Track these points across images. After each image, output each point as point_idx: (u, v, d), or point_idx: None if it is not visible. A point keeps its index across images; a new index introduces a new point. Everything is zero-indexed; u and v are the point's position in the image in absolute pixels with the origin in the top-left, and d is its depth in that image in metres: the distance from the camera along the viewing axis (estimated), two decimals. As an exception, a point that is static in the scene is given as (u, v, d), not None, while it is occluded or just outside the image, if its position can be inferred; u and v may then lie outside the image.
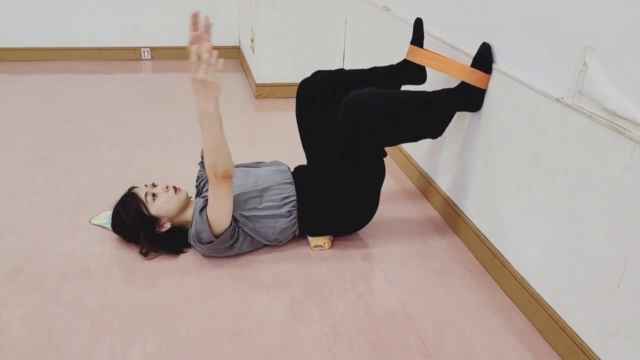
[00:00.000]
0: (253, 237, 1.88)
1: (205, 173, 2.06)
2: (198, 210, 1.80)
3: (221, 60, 1.61)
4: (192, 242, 1.86)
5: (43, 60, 4.11)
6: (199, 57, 1.58)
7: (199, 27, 1.68)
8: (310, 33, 3.46)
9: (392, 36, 2.67)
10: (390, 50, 2.70)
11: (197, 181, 2.09)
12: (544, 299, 1.59)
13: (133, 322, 1.58)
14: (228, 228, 1.78)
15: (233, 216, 1.81)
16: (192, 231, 1.83)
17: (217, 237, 1.78)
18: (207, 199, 1.80)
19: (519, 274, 1.71)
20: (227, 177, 1.69)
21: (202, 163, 2.09)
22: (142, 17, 4.17)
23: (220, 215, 1.75)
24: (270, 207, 1.86)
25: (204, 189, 2.01)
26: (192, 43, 1.65)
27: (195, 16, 1.68)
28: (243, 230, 1.85)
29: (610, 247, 1.33)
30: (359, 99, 1.76)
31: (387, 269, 1.88)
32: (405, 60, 2.06)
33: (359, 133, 1.78)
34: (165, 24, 4.23)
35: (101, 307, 1.63)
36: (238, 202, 1.85)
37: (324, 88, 2.01)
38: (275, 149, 2.82)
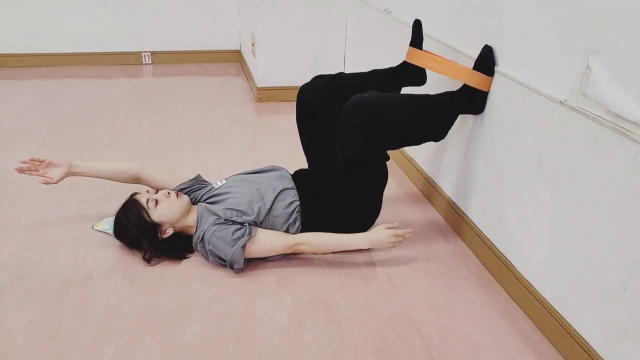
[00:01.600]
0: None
1: (188, 190, 2.04)
2: (235, 240, 1.79)
3: (409, 236, 1.87)
4: (201, 251, 1.86)
5: (44, 66, 4.12)
6: (403, 235, 1.84)
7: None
8: (310, 36, 3.46)
9: (393, 39, 2.67)
10: (391, 53, 2.69)
11: (184, 191, 2.04)
12: (550, 302, 1.58)
13: (137, 328, 1.58)
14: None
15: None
16: (210, 245, 1.81)
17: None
18: (239, 228, 1.81)
19: (523, 277, 1.70)
20: (294, 251, 1.89)
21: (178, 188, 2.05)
22: (142, 21, 4.18)
23: (260, 254, 1.84)
24: (278, 217, 1.87)
25: (204, 197, 1.98)
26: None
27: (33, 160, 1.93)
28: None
29: (616, 250, 1.32)
30: (362, 103, 1.76)
31: (391, 273, 1.87)
32: (404, 62, 2.05)
33: (361, 137, 1.78)
34: (165, 29, 4.24)
35: (105, 314, 1.63)
36: (247, 215, 1.85)
37: (324, 93, 2.00)
38: (276, 152, 2.82)
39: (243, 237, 1.78)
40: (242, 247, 1.78)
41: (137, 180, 2.09)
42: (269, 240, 1.83)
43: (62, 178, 2.00)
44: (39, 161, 1.97)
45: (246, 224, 1.82)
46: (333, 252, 1.96)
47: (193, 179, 2.09)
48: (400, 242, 1.85)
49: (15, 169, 1.95)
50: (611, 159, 1.32)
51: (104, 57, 4.23)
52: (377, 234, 1.84)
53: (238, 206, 1.85)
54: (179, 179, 2.09)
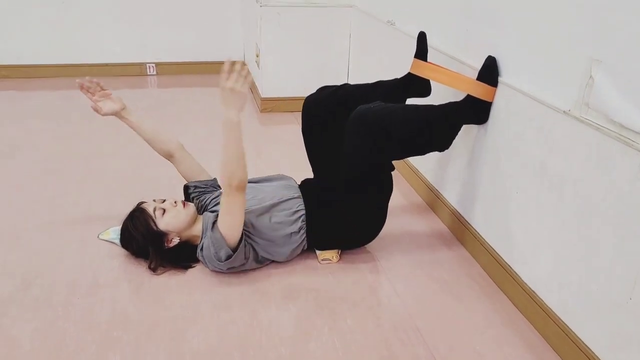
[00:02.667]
0: (263, 256, 1.88)
1: (197, 192, 2.07)
2: (210, 229, 1.80)
3: (250, 75, 1.70)
4: (201, 259, 1.86)
5: (50, 77, 4.15)
6: (231, 68, 1.66)
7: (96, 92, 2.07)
8: (314, 47, 3.48)
9: (396, 50, 2.69)
10: (395, 65, 2.71)
11: (192, 200, 2.07)
12: (554, 311, 1.58)
13: (142, 337, 1.58)
14: (240, 240, 1.78)
15: (244, 232, 1.82)
16: (205, 251, 1.82)
17: (233, 248, 1.77)
18: (217, 214, 1.80)
19: (528, 286, 1.70)
20: (242, 188, 1.71)
21: (191, 186, 2.10)
22: (147, 33, 4.22)
23: (232, 226, 1.75)
24: (281, 223, 1.87)
25: (210, 205, 2.00)
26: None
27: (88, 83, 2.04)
28: (252, 247, 1.85)
29: (621, 259, 1.33)
30: (366, 114, 1.78)
31: (396, 282, 1.88)
32: (409, 74, 2.07)
33: (366, 148, 1.79)
34: (170, 40, 4.27)
35: (110, 322, 1.63)
36: (247, 219, 1.85)
37: (329, 104, 2.02)
38: (280, 162, 2.83)
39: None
40: (212, 229, 1.77)
41: (169, 156, 2.12)
42: (222, 209, 1.76)
43: (111, 114, 2.08)
44: (100, 86, 2.05)
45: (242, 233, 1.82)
46: (338, 261, 1.96)
47: (211, 180, 2.14)
48: (237, 80, 1.67)
49: (77, 81, 2.03)
50: (615, 168, 1.33)
51: (109, 68, 4.26)
52: (222, 100, 1.71)
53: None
54: (207, 174, 2.15)
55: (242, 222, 1.76)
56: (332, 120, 1.99)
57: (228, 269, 1.84)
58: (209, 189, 2.09)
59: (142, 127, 2.13)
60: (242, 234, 1.79)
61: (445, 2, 2.19)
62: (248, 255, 1.84)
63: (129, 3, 4.11)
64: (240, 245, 1.78)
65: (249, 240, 1.84)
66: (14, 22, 4.00)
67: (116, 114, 2.09)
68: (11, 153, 2.83)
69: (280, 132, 3.28)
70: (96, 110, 2.06)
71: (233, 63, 1.67)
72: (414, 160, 2.59)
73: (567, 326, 1.53)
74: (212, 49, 4.36)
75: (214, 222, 1.80)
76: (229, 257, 1.78)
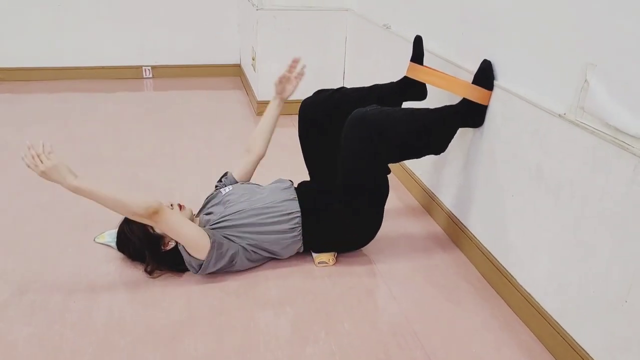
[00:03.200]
0: (256, 253, 1.88)
1: (221, 185, 2.12)
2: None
3: (47, 144, 1.70)
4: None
5: (46, 80, 4.14)
6: (31, 155, 1.67)
7: (294, 70, 2.14)
8: (310, 51, 3.48)
9: (392, 54, 2.70)
10: (391, 68, 2.72)
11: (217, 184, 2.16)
12: (551, 314, 1.59)
13: (139, 341, 1.58)
14: (210, 246, 1.78)
15: (229, 236, 1.84)
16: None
17: (204, 259, 1.79)
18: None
19: (524, 289, 1.71)
20: (153, 212, 1.68)
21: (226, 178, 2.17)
22: (144, 35, 4.21)
23: (191, 242, 1.78)
24: (273, 223, 1.87)
25: (208, 205, 2.02)
26: (280, 80, 2.14)
27: (295, 61, 2.15)
28: (244, 246, 1.85)
29: (617, 262, 1.33)
30: (363, 117, 1.78)
31: (392, 285, 1.88)
32: (405, 78, 2.08)
33: (362, 151, 1.80)
34: (166, 43, 4.27)
35: (107, 327, 1.63)
36: (240, 219, 1.86)
37: (325, 107, 2.03)
38: (277, 165, 2.82)
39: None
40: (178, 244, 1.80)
41: (249, 151, 2.20)
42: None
43: (287, 96, 2.18)
44: (299, 72, 2.15)
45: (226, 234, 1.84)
46: (334, 264, 1.96)
47: (223, 176, 2.18)
48: (42, 159, 1.68)
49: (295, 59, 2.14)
50: (610, 171, 1.34)
51: (106, 71, 4.25)
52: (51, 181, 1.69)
53: (232, 214, 1.88)
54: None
55: (194, 234, 1.77)
56: (329, 124, 2.00)
57: (218, 269, 1.84)
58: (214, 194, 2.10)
59: (272, 119, 2.21)
60: (213, 240, 1.79)
61: (441, 6, 2.20)
62: (234, 257, 1.84)
63: (126, 6, 4.10)
64: (212, 252, 1.79)
65: (239, 241, 1.85)
66: (11, 25, 3.99)
67: (282, 98, 2.18)
68: (7, 157, 2.82)
69: (276, 134, 3.24)
70: (278, 88, 2.16)
71: (29, 148, 1.68)
72: (409, 163, 2.60)
73: (564, 329, 1.53)
74: (208, 52, 4.36)
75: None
76: (200, 265, 1.81)
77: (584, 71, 1.41)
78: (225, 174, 2.18)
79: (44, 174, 1.67)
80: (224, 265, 1.84)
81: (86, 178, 1.69)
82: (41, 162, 1.66)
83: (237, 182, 2.14)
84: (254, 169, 2.20)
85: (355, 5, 3.32)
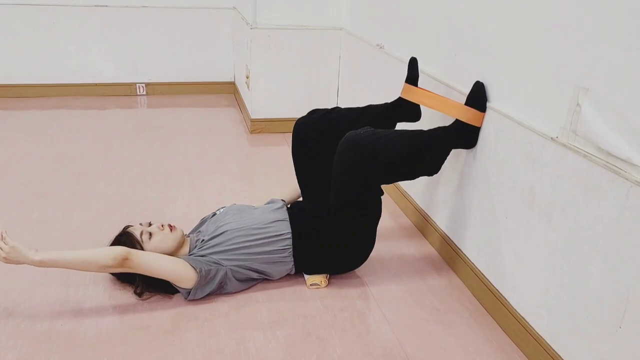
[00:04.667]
0: (245, 274, 1.86)
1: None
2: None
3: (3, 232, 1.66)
4: None
5: (38, 97, 4.13)
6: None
7: None
8: (304, 70, 3.50)
9: (385, 73, 2.71)
10: (384, 87, 2.73)
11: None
12: (545, 338, 1.57)
13: (127, 365, 1.55)
14: (197, 275, 1.77)
15: (216, 260, 1.82)
16: None
17: (191, 288, 1.79)
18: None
19: (518, 313, 1.69)
20: (123, 259, 1.68)
21: None
22: (137, 53, 4.22)
23: (173, 277, 1.77)
24: (262, 245, 1.86)
25: (201, 225, 2.00)
26: None
27: None
28: (232, 268, 1.83)
29: (611, 287, 1.32)
30: (356, 140, 1.78)
31: (385, 308, 1.86)
32: (400, 99, 2.08)
33: (356, 173, 1.79)
34: (160, 60, 4.27)
35: (94, 350, 1.60)
36: (228, 240, 1.85)
37: (319, 127, 2.02)
38: (270, 184, 2.82)
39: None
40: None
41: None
42: None
43: None
44: None
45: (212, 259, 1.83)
46: (327, 286, 1.95)
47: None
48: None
49: None
50: (603, 196, 1.34)
51: (99, 88, 4.25)
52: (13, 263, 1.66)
53: (221, 233, 1.87)
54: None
55: (174, 268, 1.76)
56: (323, 144, 1.99)
57: (208, 294, 1.83)
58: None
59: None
60: (199, 268, 1.77)
61: (434, 27, 2.21)
62: (224, 280, 1.83)
63: (120, 23, 4.12)
64: (199, 280, 1.77)
65: (227, 263, 1.83)
66: (4, 42, 3.98)
67: None
68: (-3, 174, 2.79)
69: (270, 153, 3.27)
70: None
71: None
72: (403, 184, 2.59)
73: (557, 354, 1.51)
74: (202, 70, 4.36)
75: None
76: (189, 292, 1.80)
77: (576, 95, 1.41)
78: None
79: (6, 260, 1.63)
80: (213, 290, 1.82)
81: (47, 250, 1.68)
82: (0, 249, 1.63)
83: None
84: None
85: (349, 24, 3.34)
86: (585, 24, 1.38)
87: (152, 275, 1.76)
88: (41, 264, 1.66)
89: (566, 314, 1.48)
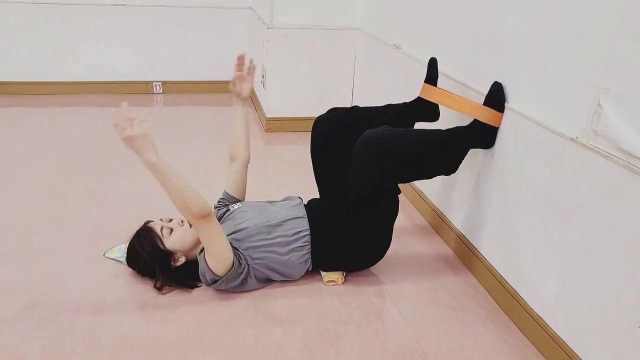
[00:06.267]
0: (265, 274, 1.88)
1: (223, 204, 2.10)
2: (199, 250, 1.83)
3: (141, 114, 1.63)
4: (200, 276, 1.87)
5: (56, 94, 4.18)
6: (124, 117, 1.61)
7: (244, 68, 2.05)
8: (320, 69, 3.52)
9: (401, 74, 2.72)
10: (400, 88, 2.74)
11: (216, 206, 2.14)
12: (562, 338, 1.58)
13: (148, 357, 1.58)
14: (231, 267, 1.78)
15: (243, 255, 1.83)
16: (199, 270, 1.84)
17: (221, 276, 1.79)
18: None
19: (535, 312, 1.70)
20: (205, 215, 1.67)
21: (227, 197, 2.15)
22: (154, 51, 4.26)
23: (215, 256, 1.76)
24: (282, 243, 1.87)
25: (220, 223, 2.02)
26: (234, 82, 2.05)
27: (241, 58, 2.03)
28: (253, 266, 1.85)
29: (630, 287, 1.33)
30: (374, 138, 1.79)
31: (401, 306, 1.87)
32: (418, 98, 2.09)
33: (373, 171, 1.81)
34: (176, 58, 4.32)
35: (117, 342, 1.63)
36: (249, 236, 1.86)
37: (339, 125, 2.04)
38: (285, 182, 2.84)
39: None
40: (200, 255, 1.80)
41: (233, 159, 2.17)
42: (201, 239, 1.77)
43: (244, 97, 2.10)
44: (250, 66, 2.06)
45: (240, 253, 1.84)
46: (343, 283, 1.96)
47: (241, 200, 2.16)
48: (124, 126, 1.62)
49: (239, 56, 2.03)
50: (624, 196, 1.34)
51: (116, 85, 4.29)
52: (130, 149, 1.66)
53: (242, 230, 1.88)
54: (240, 193, 2.18)
55: (226, 249, 1.76)
56: (341, 142, 2.01)
57: (226, 288, 1.84)
58: (220, 209, 2.10)
59: (243, 122, 2.15)
60: (234, 260, 1.78)
61: (452, 27, 2.22)
62: (246, 277, 1.85)
63: (137, 22, 4.16)
64: (230, 273, 1.78)
65: (249, 260, 1.84)
66: (23, 40, 4.04)
67: (244, 99, 2.11)
68: (18, 170, 2.84)
69: (285, 151, 3.29)
70: (237, 94, 2.08)
71: (242, 57, 1.67)
72: (419, 183, 2.60)
73: (575, 353, 1.52)
74: (218, 68, 4.40)
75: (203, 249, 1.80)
76: (215, 280, 1.80)
77: (598, 95, 1.42)
78: (224, 193, 2.17)
79: (129, 139, 1.60)
80: (235, 285, 1.84)
81: (165, 162, 1.64)
82: (132, 126, 1.60)
83: (232, 197, 2.14)
84: (245, 177, 2.17)
85: (365, 25, 3.36)
86: (606, 23, 1.39)
87: (206, 243, 1.73)
88: (152, 166, 1.62)
89: (584, 313, 1.49)
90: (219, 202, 2.16)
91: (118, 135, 1.61)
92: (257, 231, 1.87)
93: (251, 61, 2.07)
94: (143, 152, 1.62)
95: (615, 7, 1.36)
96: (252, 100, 4.26)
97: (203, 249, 1.79)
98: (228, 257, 1.76)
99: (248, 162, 2.18)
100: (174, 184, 1.64)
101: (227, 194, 2.15)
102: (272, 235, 1.87)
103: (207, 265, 1.77)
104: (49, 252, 2.09)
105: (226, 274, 1.78)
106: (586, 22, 1.46)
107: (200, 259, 1.81)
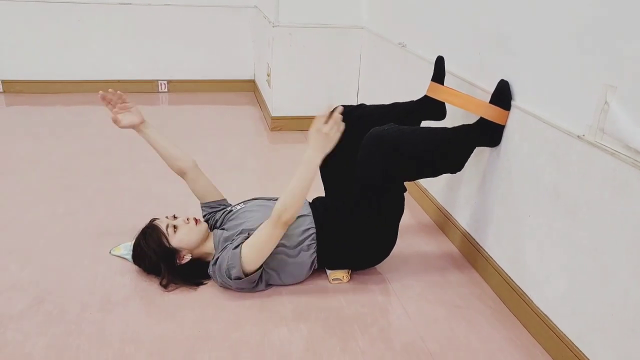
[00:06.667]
0: (276, 278, 1.90)
1: (210, 212, 2.09)
2: (231, 244, 1.82)
3: (343, 125, 1.74)
4: (212, 272, 1.87)
5: (64, 93, 4.20)
6: (330, 116, 1.72)
7: (112, 103, 2.07)
8: (325, 68, 3.52)
9: (406, 72, 2.72)
10: (405, 86, 2.74)
11: (204, 217, 2.11)
12: (569, 337, 1.57)
13: (154, 354, 1.58)
14: (258, 269, 1.80)
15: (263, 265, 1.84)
16: (218, 264, 1.83)
17: (248, 274, 1.79)
18: (243, 235, 1.84)
19: (541, 311, 1.69)
20: (288, 224, 1.75)
21: (205, 205, 2.12)
22: (159, 50, 4.27)
23: (257, 255, 1.78)
24: (290, 243, 1.88)
25: (224, 223, 2.01)
26: (117, 120, 2.06)
27: (104, 99, 2.06)
28: (266, 270, 1.86)
29: (637, 285, 1.32)
30: (380, 136, 1.79)
31: (407, 304, 1.87)
32: (425, 97, 2.09)
33: (379, 169, 1.81)
34: (181, 58, 4.32)
35: (123, 339, 1.63)
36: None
37: (346, 123, 2.03)
38: (289, 181, 2.83)
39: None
40: (234, 248, 1.79)
41: (182, 173, 2.11)
42: (257, 234, 1.79)
43: (129, 126, 2.08)
44: (122, 99, 2.06)
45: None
46: (349, 281, 1.96)
47: (223, 199, 2.14)
48: (334, 126, 1.72)
49: (100, 93, 2.03)
50: (631, 194, 1.34)
51: (121, 84, 4.29)
52: (313, 141, 1.74)
53: (251, 230, 1.87)
54: (219, 194, 2.15)
55: (267, 255, 1.79)
56: (348, 139, 1.99)
57: (236, 288, 1.84)
58: (219, 208, 2.10)
59: (159, 142, 2.13)
60: (262, 266, 1.81)
61: (458, 26, 2.22)
62: (260, 281, 1.86)
63: (143, 21, 4.17)
64: (254, 274, 1.80)
65: (264, 266, 1.84)
66: (29, 38, 4.06)
67: (135, 127, 2.09)
68: (24, 169, 2.85)
69: (290, 150, 3.30)
70: (115, 121, 2.05)
71: (333, 109, 1.73)
72: (424, 182, 2.60)
73: (582, 352, 1.51)
74: (223, 67, 4.40)
75: (240, 243, 1.80)
76: (237, 278, 1.80)
77: (604, 93, 1.41)
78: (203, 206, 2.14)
79: (325, 136, 1.71)
80: (246, 287, 1.85)
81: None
82: (336, 130, 1.71)
83: (215, 202, 2.11)
84: (205, 178, 2.14)
85: (371, 23, 3.35)
86: (612, 20, 1.38)
87: (264, 243, 1.76)
88: (314, 164, 1.75)
89: (591, 312, 1.48)
90: (208, 214, 2.11)
91: (316, 123, 1.71)
92: None
93: (113, 92, 2.06)
94: (318, 150, 1.73)
95: (622, 4, 1.35)
96: (257, 98, 4.26)
97: (239, 245, 1.79)
98: (262, 261, 1.80)
99: (195, 164, 2.13)
100: (302, 188, 1.75)
101: (208, 204, 2.11)
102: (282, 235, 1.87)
103: (241, 260, 1.77)
104: (56, 250, 2.10)
105: (252, 273, 1.80)
106: (592, 19, 1.46)
107: (232, 253, 1.78)
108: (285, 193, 1.75)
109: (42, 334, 1.64)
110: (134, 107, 2.08)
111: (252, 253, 1.77)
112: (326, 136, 1.71)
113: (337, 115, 1.72)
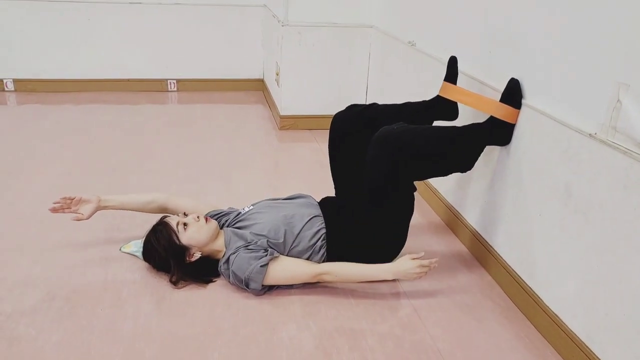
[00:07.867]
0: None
1: (218, 215, 2.07)
2: (257, 258, 1.81)
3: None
4: (223, 272, 1.88)
5: (73, 91, 4.22)
6: (429, 265, 1.82)
7: (70, 207, 2.03)
8: (334, 67, 3.52)
9: (416, 71, 2.72)
10: (415, 85, 2.74)
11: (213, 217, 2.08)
12: (579, 336, 1.56)
13: (164, 351, 1.59)
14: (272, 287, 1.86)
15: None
16: (234, 268, 1.83)
17: (265, 285, 1.84)
18: (262, 241, 1.86)
19: (551, 310, 1.69)
20: (318, 280, 1.87)
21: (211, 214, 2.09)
22: (168, 49, 4.29)
23: (281, 280, 1.85)
24: (301, 247, 1.89)
25: (234, 224, 2.01)
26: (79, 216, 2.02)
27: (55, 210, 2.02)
28: None
29: (649, 285, 1.32)
30: (389, 135, 1.79)
31: (416, 303, 1.87)
32: (438, 97, 2.09)
33: (389, 169, 1.80)
34: (191, 56, 4.34)
35: (133, 335, 1.64)
36: (269, 238, 1.87)
37: (357, 122, 2.04)
38: (298, 180, 2.84)
39: (265, 257, 1.81)
40: (261, 265, 1.79)
41: (164, 210, 2.11)
42: (291, 266, 1.85)
43: (93, 213, 2.04)
44: (69, 199, 2.02)
45: (269, 250, 1.84)
46: (357, 282, 1.96)
47: (219, 210, 2.12)
48: (426, 272, 1.83)
49: (49, 209, 2.00)
50: (643, 192, 1.33)
51: (131, 83, 4.33)
52: (402, 265, 1.83)
53: (263, 231, 1.88)
54: (206, 206, 2.13)
55: (287, 283, 1.88)
56: (359, 138, 2.00)
57: (252, 290, 1.86)
58: (223, 212, 2.09)
59: (125, 202, 2.11)
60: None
61: (468, 24, 2.21)
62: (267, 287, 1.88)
63: (152, 20, 4.19)
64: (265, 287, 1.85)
65: None
66: (40, 37, 4.09)
67: (97, 209, 2.06)
68: (35, 166, 2.87)
69: (298, 149, 3.30)
70: (79, 219, 2.01)
71: (434, 262, 1.83)
72: (433, 181, 2.59)
73: (592, 352, 1.51)
74: (232, 67, 4.41)
75: (267, 263, 1.80)
76: (255, 289, 1.83)
77: (617, 91, 1.40)
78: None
79: (417, 274, 1.82)
80: (258, 291, 1.85)
81: None
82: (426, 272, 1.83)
83: (214, 212, 2.08)
84: (182, 199, 2.15)
85: (380, 22, 3.35)
86: (624, 18, 1.38)
87: (291, 276, 1.86)
88: (378, 278, 1.89)
89: (602, 311, 1.48)
90: (216, 216, 2.07)
91: (418, 262, 1.82)
92: (279, 236, 1.88)
93: (57, 201, 2.02)
94: (398, 277, 1.86)
95: (634, 1, 1.34)
96: (266, 97, 4.27)
97: (266, 264, 1.80)
98: (280, 283, 1.88)
99: (165, 197, 2.13)
100: (358, 279, 1.92)
101: (209, 212, 2.07)
102: (292, 237, 1.88)
103: (264, 278, 1.81)
104: (67, 246, 2.11)
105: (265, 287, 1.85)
106: (604, 16, 1.45)
107: (258, 268, 1.79)
108: (343, 267, 1.85)
109: (53, 329, 1.65)
110: (81, 196, 2.04)
111: (277, 276, 1.83)
112: (416, 274, 1.81)
113: (435, 263, 1.83)
